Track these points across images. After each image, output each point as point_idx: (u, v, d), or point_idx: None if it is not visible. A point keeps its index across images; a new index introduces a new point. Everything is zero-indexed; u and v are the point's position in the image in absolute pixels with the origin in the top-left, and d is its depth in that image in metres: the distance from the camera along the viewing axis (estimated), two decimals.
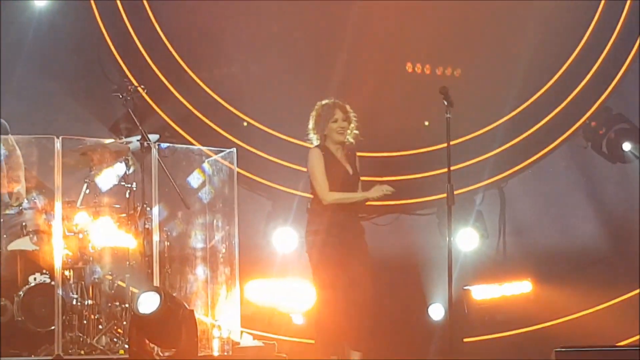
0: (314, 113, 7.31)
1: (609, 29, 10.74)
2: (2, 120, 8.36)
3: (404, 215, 10.13)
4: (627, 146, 10.43)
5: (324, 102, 7.29)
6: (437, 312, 9.61)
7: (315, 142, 7.29)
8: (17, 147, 8.07)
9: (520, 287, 10.20)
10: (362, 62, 10.75)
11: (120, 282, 7.80)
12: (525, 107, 10.53)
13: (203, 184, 8.57)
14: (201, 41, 10.57)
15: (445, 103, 6.74)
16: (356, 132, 7.28)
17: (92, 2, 10.34)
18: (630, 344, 9.15)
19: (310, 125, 7.31)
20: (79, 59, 10.32)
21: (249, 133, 10.38)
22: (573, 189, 10.87)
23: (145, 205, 7.80)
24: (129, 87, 8.19)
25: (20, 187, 7.99)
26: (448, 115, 6.76)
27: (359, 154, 7.43)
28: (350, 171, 7.19)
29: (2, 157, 8.01)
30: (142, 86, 8.39)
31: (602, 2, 10.82)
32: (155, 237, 7.81)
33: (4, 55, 9.76)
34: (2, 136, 8.41)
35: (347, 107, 7.28)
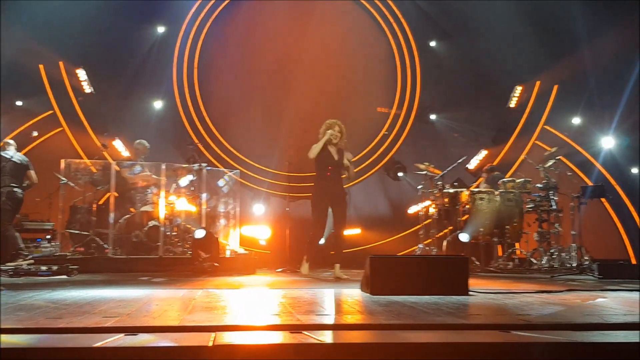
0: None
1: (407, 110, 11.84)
2: (145, 142, 9.62)
3: None
4: (400, 174, 12.17)
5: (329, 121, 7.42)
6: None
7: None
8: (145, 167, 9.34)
9: (355, 231, 11.49)
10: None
11: (188, 225, 9.11)
12: (361, 156, 11.98)
13: (225, 184, 9.96)
14: (225, 117, 11.73)
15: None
16: (345, 140, 7.54)
17: (177, 98, 11.27)
18: (404, 254, 10.23)
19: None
20: (169, 132, 11.57)
21: (244, 164, 11.48)
22: (378, 191, 12.41)
23: (199, 193, 9.13)
24: (193, 142, 10.10)
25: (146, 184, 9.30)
26: None
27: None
28: (336, 157, 7.51)
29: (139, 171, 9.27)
30: (199, 142, 10.33)
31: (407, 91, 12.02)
32: (204, 207, 9.22)
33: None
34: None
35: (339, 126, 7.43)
